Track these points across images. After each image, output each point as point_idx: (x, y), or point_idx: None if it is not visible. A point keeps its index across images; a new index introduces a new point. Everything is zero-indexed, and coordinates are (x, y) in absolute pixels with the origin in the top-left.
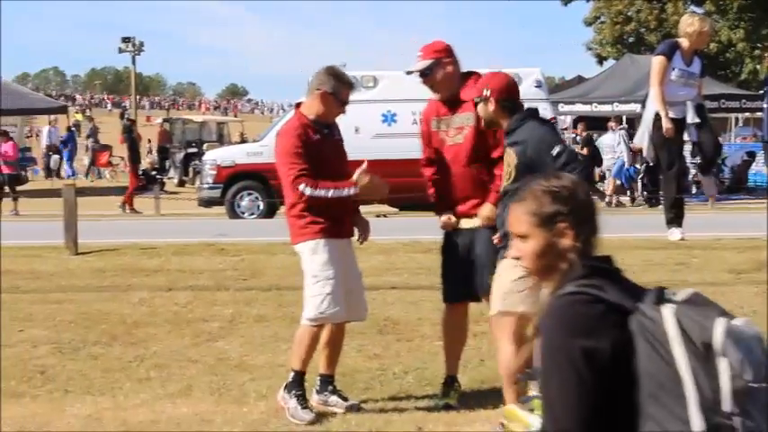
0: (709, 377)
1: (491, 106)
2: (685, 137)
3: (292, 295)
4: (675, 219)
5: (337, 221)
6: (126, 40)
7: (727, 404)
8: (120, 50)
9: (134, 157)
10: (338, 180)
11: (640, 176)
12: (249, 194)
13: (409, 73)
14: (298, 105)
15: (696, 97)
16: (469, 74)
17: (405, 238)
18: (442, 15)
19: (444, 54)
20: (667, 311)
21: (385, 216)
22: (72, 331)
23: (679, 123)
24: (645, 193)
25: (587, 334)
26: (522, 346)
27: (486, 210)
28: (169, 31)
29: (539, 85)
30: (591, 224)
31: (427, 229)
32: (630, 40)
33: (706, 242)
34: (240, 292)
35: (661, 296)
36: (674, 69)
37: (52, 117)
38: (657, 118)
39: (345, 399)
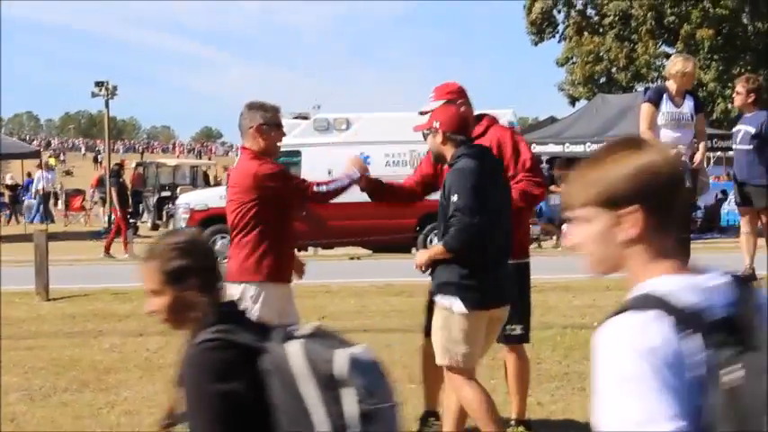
0: (337, 405)
1: (438, 138)
2: None
3: None
4: None
5: (281, 264)
6: (99, 84)
7: (355, 427)
8: (93, 95)
9: (122, 201)
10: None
11: None
12: (222, 238)
13: (423, 113)
14: (244, 148)
15: (691, 140)
16: (482, 116)
17: (378, 281)
18: (415, 53)
19: (457, 95)
20: (293, 348)
21: (358, 258)
22: (42, 378)
23: None
24: None
25: (223, 378)
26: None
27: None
28: (143, 73)
29: (511, 126)
30: (213, 272)
31: (400, 271)
32: (602, 80)
33: None
34: None
35: (287, 334)
36: (662, 114)
37: (44, 161)
38: None
39: None
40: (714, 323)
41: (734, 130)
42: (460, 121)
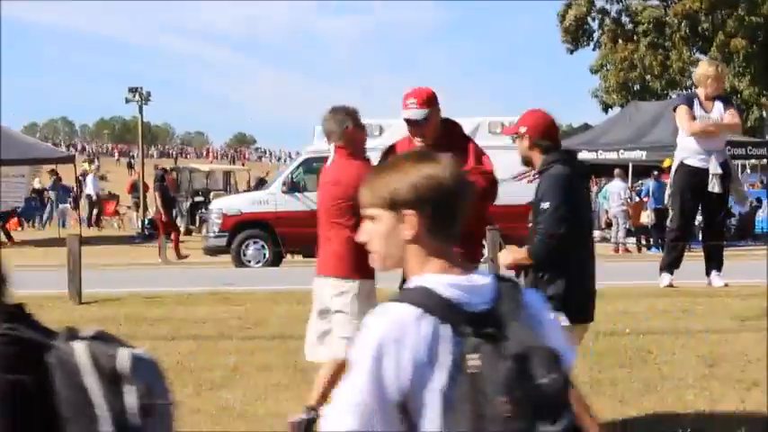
0: (118, 398)
1: (525, 143)
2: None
3: (296, 344)
4: (668, 266)
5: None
6: (132, 90)
7: (135, 420)
8: (127, 101)
9: (167, 204)
10: None
11: (652, 224)
12: (255, 243)
13: (408, 120)
14: (340, 147)
15: (724, 146)
16: (445, 120)
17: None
18: (447, 62)
19: (435, 102)
20: (78, 345)
21: None
22: None
23: (701, 173)
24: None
25: (9, 370)
26: None
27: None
28: (176, 79)
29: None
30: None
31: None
32: (636, 87)
33: (711, 290)
34: (243, 341)
35: (72, 333)
36: (694, 119)
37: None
38: (679, 167)
39: None
40: (468, 316)
41: None
42: (547, 126)
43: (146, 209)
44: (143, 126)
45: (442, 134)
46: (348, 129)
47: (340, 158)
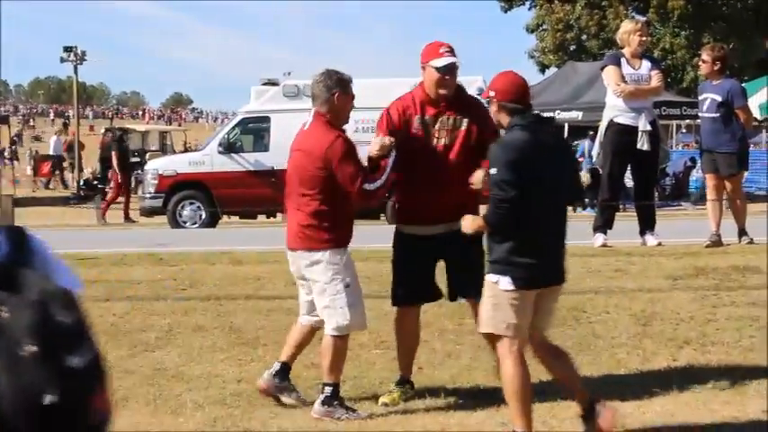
0: None
1: (494, 107)
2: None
3: (231, 305)
4: (601, 226)
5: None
6: (68, 49)
7: None
8: (62, 60)
9: (124, 166)
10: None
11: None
12: (191, 204)
13: (447, 66)
14: (318, 114)
15: (652, 103)
16: None
17: None
18: (385, 17)
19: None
20: None
21: None
22: None
23: (631, 131)
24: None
25: None
26: (521, 364)
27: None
28: (112, 38)
29: (481, 93)
30: None
31: (368, 237)
32: (572, 47)
33: (645, 249)
34: (178, 302)
35: None
36: (623, 78)
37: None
38: (609, 125)
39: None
40: None
41: (700, 98)
42: (515, 88)
43: (81, 170)
44: (78, 86)
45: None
46: (335, 95)
47: (317, 126)
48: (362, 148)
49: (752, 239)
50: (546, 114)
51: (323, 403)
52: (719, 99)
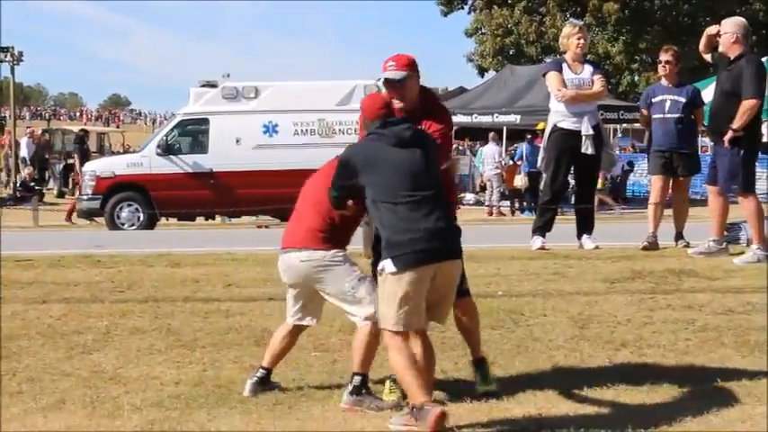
0: None
1: (361, 123)
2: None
3: (169, 307)
4: (540, 229)
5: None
6: (4, 50)
7: None
8: None
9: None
10: None
11: (526, 188)
12: (129, 205)
13: (384, 81)
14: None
15: (595, 107)
16: (425, 90)
17: None
18: (327, 21)
19: (413, 68)
20: None
21: (267, 227)
22: None
23: (574, 135)
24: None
25: None
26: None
27: None
28: (50, 39)
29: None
30: None
31: None
32: (511, 51)
33: (582, 252)
34: (116, 304)
35: None
36: (564, 83)
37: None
38: (553, 131)
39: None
40: None
41: (654, 100)
42: (375, 107)
43: (18, 171)
44: (15, 87)
45: (420, 102)
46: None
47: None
48: (302, 151)
49: (688, 243)
50: (484, 118)
51: (351, 393)
52: (683, 100)
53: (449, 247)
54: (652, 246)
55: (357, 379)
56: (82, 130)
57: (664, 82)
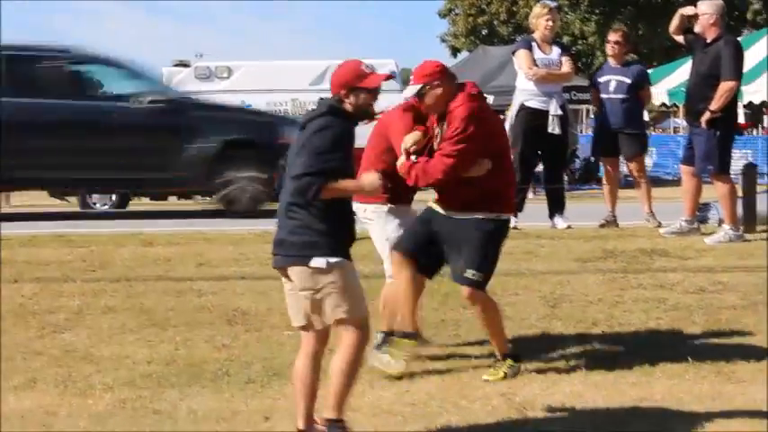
0: None
1: None
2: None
3: (141, 286)
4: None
5: None
6: None
7: None
8: None
9: None
10: None
11: None
12: None
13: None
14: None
15: (561, 91)
16: (461, 86)
17: (255, 229)
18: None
19: (433, 77)
20: None
21: None
22: None
23: (541, 115)
24: None
25: None
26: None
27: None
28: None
29: (393, 76)
30: None
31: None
32: (483, 32)
33: (554, 232)
34: (87, 283)
35: None
36: (534, 62)
37: None
38: (520, 109)
39: None
40: None
41: (600, 80)
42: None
43: None
44: None
45: (446, 103)
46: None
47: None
48: None
49: (660, 223)
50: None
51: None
52: (629, 81)
53: None
54: (609, 223)
55: (379, 336)
56: None
57: (611, 62)
